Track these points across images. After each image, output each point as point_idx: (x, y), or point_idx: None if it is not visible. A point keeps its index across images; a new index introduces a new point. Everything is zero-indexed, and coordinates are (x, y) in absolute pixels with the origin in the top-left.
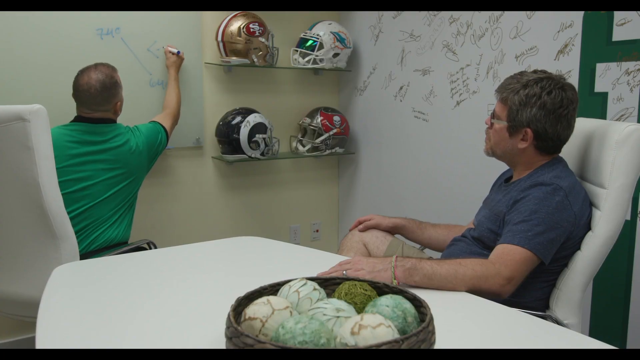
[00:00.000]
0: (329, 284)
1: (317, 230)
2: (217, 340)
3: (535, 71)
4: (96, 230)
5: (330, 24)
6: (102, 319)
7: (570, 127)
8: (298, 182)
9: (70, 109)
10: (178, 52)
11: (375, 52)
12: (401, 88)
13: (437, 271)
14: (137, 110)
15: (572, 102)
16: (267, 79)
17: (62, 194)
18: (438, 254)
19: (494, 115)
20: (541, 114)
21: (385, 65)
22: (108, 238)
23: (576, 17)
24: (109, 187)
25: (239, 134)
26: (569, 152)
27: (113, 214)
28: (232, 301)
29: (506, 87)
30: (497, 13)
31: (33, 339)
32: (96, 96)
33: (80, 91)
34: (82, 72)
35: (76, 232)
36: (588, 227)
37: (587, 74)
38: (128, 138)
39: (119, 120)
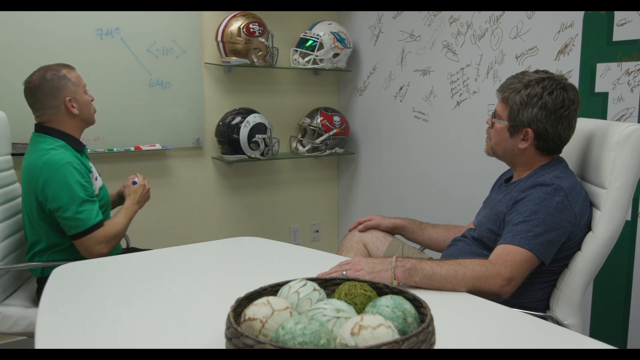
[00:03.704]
0: (329, 285)
1: (317, 231)
2: (217, 340)
3: (537, 71)
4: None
5: (330, 24)
6: (101, 319)
7: (571, 128)
8: (298, 183)
9: None
10: (134, 182)
11: (375, 52)
12: (401, 88)
13: (437, 272)
14: (137, 110)
15: (573, 103)
16: (267, 79)
17: None
18: (438, 255)
19: (495, 115)
20: (542, 114)
21: (385, 66)
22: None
23: (576, 17)
24: (23, 209)
25: (238, 134)
26: (569, 152)
27: (41, 241)
28: (232, 301)
29: (507, 87)
30: (497, 13)
31: (33, 339)
32: (34, 93)
33: (23, 92)
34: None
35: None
36: (588, 228)
37: (588, 74)
38: (36, 156)
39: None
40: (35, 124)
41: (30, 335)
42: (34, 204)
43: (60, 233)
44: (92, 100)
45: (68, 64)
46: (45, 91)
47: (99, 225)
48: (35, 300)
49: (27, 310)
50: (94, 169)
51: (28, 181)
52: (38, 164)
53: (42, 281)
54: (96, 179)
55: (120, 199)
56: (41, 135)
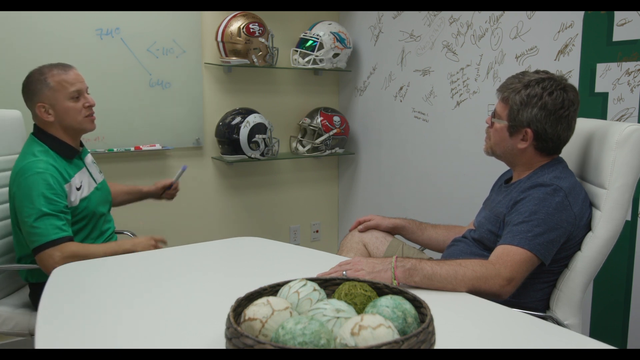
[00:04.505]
0: (329, 285)
1: (317, 231)
2: (217, 340)
3: (537, 71)
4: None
5: (330, 24)
6: (101, 319)
7: (570, 129)
8: (298, 183)
9: None
10: (182, 170)
11: (375, 52)
12: (401, 88)
13: (437, 272)
14: (137, 110)
15: (573, 104)
16: (267, 79)
17: None
18: (438, 255)
19: (494, 115)
20: (542, 115)
21: (385, 66)
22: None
23: (576, 17)
24: (10, 215)
25: (238, 135)
26: (569, 152)
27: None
28: (232, 301)
29: (507, 87)
30: (497, 13)
31: (32, 339)
32: (22, 93)
33: None
34: None
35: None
36: (588, 228)
37: (588, 74)
38: (17, 161)
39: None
40: (34, 124)
41: (17, 336)
42: (12, 209)
43: (27, 247)
44: (91, 106)
45: (65, 64)
46: (24, 94)
47: (59, 241)
48: (29, 304)
49: (16, 311)
50: (80, 177)
51: (9, 183)
52: (15, 170)
53: (31, 285)
54: (78, 188)
55: (150, 194)
56: (32, 137)
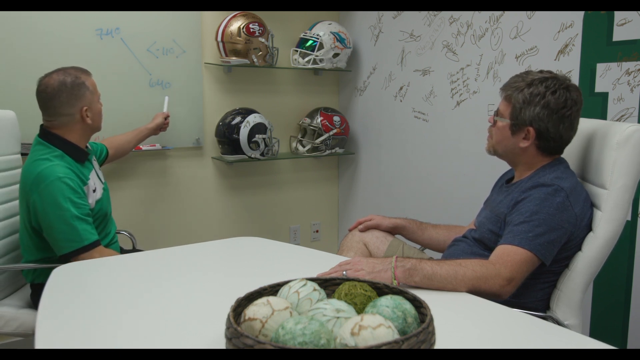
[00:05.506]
0: (329, 285)
1: (317, 231)
2: (216, 340)
3: (541, 71)
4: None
5: (330, 24)
6: (101, 319)
7: (573, 129)
8: (298, 183)
9: None
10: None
11: (375, 52)
12: (401, 88)
13: (437, 272)
14: (137, 110)
15: (576, 103)
16: (267, 79)
17: None
18: (438, 255)
19: (497, 113)
20: (544, 113)
21: (385, 66)
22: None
23: (576, 17)
24: (20, 220)
25: (238, 135)
26: (569, 152)
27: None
28: (232, 301)
29: (511, 85)
30: (497, 13)
31: (31, 339)
32: (51, 98)
33: (37, 93)
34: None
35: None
36: (589, 228)
37: (588, 74)
38: (31, 166)
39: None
40: (41, 127)
41: (20, 336)
42: (25, 213)
43: (41, 252)
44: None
45: (85, 69)
46: (64, 98)
47: (95, 244)
48: (30, 304)
49: (19, 312)
50: (93, 179)
51: (22, 188)
52: (31, 175)
53: (34, 286)
54: (94, 190)
55: (156, 128)
56: (42, 142)
